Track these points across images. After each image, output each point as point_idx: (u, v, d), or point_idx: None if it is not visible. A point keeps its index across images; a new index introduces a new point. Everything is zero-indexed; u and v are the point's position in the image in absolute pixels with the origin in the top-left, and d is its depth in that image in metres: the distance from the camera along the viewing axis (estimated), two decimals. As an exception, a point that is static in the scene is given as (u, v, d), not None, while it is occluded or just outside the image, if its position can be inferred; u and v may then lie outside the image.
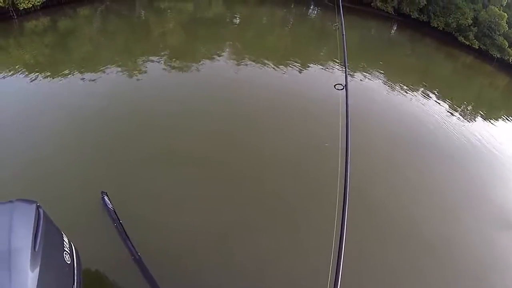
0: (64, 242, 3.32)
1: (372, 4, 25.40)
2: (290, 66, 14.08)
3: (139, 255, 5.10)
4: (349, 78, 13.47)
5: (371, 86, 14.35)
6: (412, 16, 24.97)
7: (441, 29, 24.19)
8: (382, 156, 9.46)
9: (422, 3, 24.48)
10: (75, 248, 3.54)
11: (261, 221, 6.47)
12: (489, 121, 14.56)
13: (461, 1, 23.83)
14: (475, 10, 23.54)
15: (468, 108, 15.45)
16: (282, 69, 13.68)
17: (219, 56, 14.05)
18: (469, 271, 6.72)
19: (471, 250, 7.19)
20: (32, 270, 2.49)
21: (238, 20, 19.57)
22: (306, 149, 8.87)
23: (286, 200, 7.07)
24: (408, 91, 14.42)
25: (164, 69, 12.25)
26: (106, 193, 6.00)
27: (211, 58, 13.68)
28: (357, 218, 6.15)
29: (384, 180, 8.56)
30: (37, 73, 10.64)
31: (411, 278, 6.15)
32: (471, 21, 23.22)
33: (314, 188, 7.50)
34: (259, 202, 6.86)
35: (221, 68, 12.99)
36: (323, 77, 13.84)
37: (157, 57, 12.96)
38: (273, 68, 13.62)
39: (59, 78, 10.55)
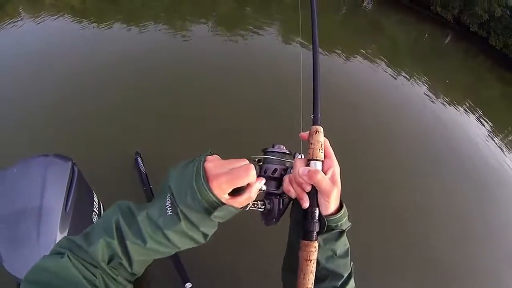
0: (94, 202, 3.22)
1: (431, 7, 23.83)
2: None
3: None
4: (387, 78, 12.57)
5: (410, 91, 13.54)
6: (471, 29, 23.32)
7: (498, 48, 22.53)
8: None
9: (484, 17, 22.77)
10: (103, 209, 3.45)
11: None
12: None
13: (526, 23, 22.04)
14: (540, 36, 21.75)
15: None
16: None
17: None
18: None
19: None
20: (61, 232, 2.39)
21: None
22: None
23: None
24: (449, 105, 13.53)
25: (210, 33, 11.84)
26: (140, 154, 5.63)
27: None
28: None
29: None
30: (83, 19, 10.60)
31: None
32: (533, 48, 21.51)
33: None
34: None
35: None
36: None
37: (204, 20, 12.61)
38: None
39: (104, 27, 10.46)
